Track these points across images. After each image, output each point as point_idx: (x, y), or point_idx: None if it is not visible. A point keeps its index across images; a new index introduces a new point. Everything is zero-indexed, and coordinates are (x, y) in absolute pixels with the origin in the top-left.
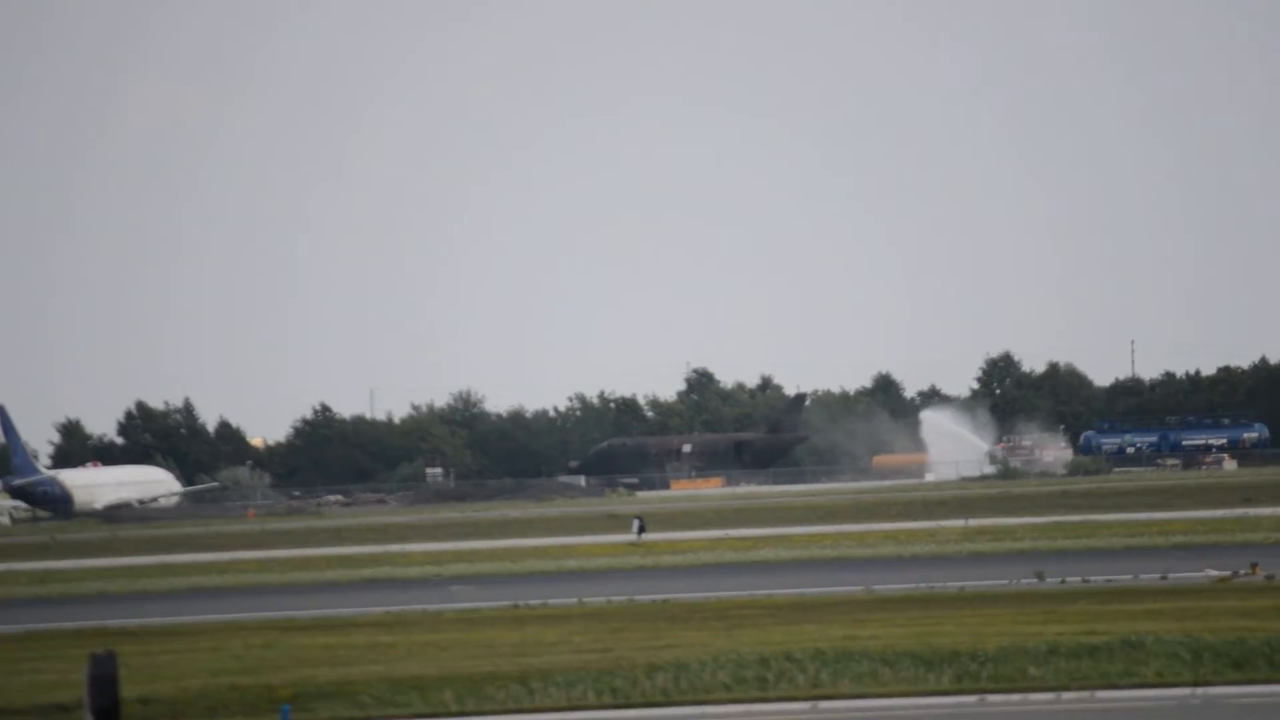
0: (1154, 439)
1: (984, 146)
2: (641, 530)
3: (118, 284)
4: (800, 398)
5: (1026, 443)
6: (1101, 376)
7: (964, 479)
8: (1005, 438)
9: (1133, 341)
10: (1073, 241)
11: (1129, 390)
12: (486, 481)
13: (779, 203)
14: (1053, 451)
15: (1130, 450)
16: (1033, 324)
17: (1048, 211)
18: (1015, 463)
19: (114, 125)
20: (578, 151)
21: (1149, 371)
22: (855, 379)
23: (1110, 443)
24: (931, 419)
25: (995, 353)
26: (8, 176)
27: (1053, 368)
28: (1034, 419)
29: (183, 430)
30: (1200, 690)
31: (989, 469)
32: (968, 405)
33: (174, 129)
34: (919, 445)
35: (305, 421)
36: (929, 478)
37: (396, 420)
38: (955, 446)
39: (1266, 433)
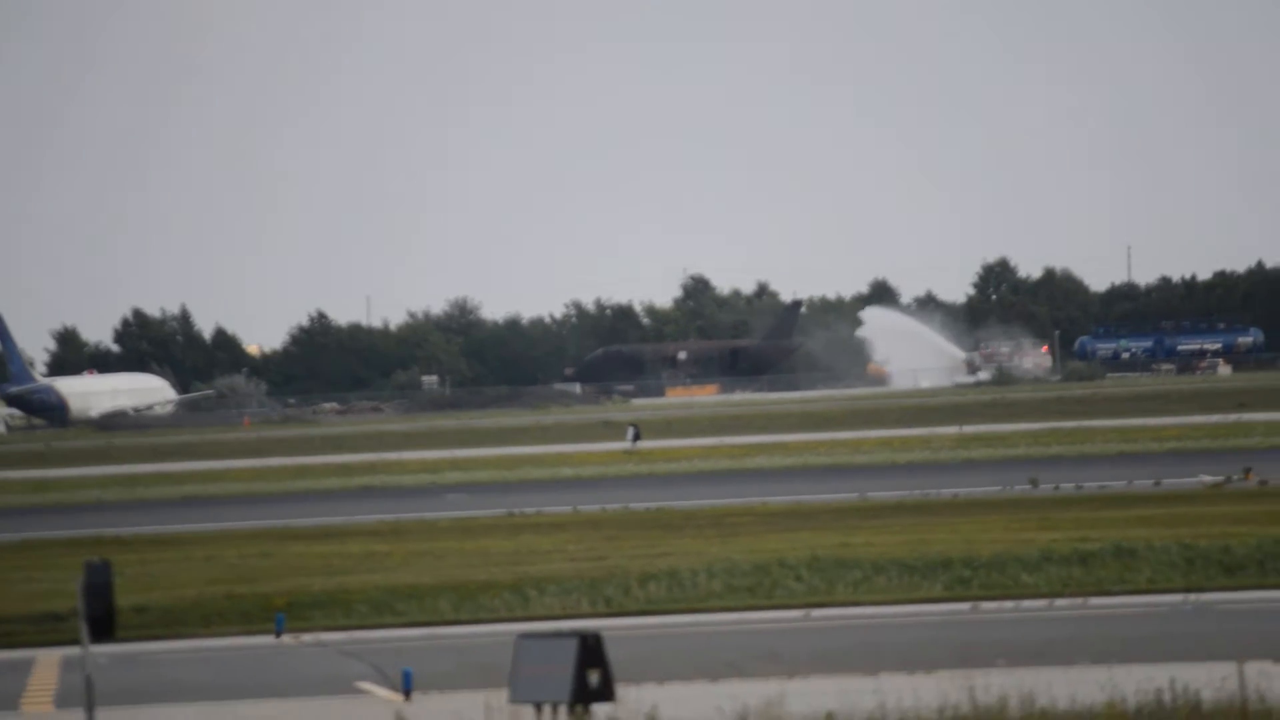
0: (1149, 344)
1: (983, 51)
2: (636, 438)
3: (114, 191)
4: (796, 305)
5: (1004, 349)
6: (1097, 282)
7: (958, 385)
8: (981, 344)
9: (1129, 247)
10: (1070, 146)
11: (1125, 295)
12: (482, 389)
13: (776, 109)
14: (1031, 358)
15: (1125, 356)
16: (1029, 229)
17: (1045, 116)
18: (988, 371)
19: (112, 31)
20: (575, 59)
21: (1145, 277)
22: (851, 285)
23: (1105, 348)
24: (877, 317)
25: (991, 258)
26: (3, 84)
27: (1049, 273)
28: (1012, 324)
29: (179, 338)
30: (1193, 596)
31: (965, 378)
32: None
33: (172, 35)
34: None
35: (301, 329)
36: (892, 385)
37: (393, 328)
38: (913, 348)
39: (1261, 338)
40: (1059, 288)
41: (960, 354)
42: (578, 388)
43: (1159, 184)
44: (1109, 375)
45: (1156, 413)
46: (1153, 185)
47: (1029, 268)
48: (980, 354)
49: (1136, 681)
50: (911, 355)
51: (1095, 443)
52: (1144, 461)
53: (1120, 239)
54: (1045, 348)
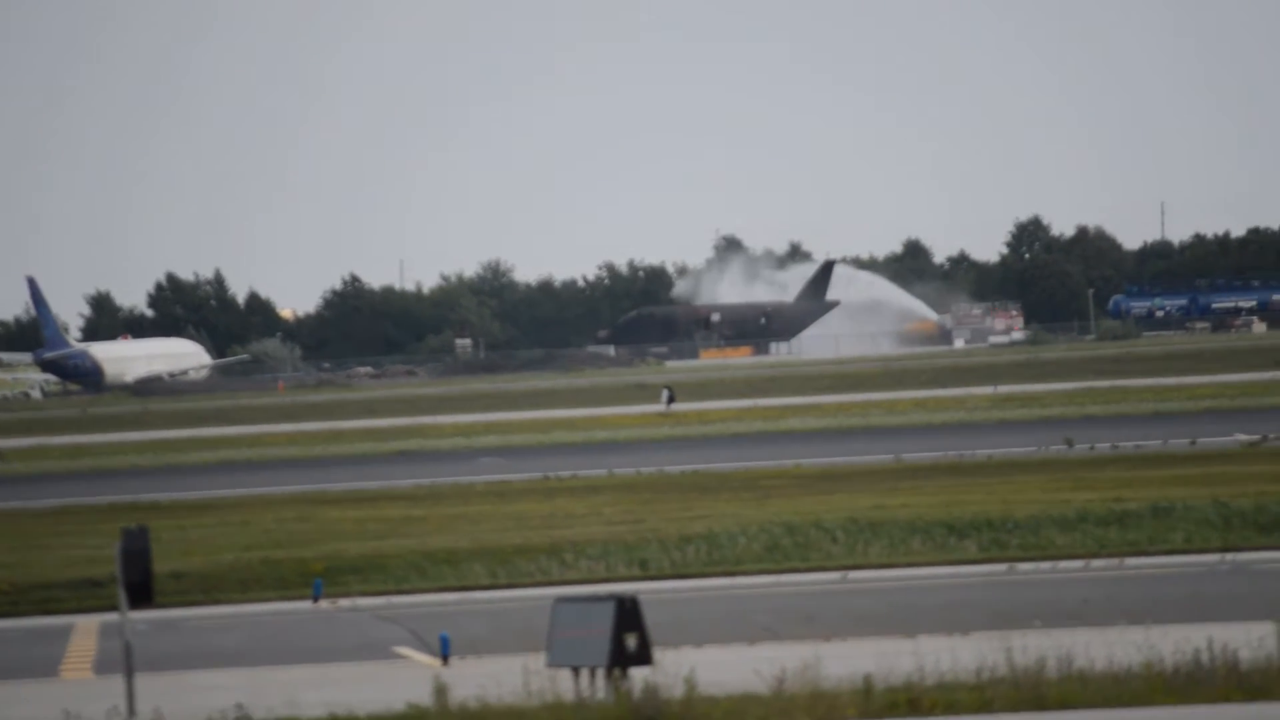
0: (1183, 302)
1: (1016, 7)
2: (671, 400)
3: (148, 155)
4: (829, 265)
5: (976, 312)
6: (1131, 240)
7: (993, 345)
8: (954, 306)
9: (1162, 204)
10: (1102, 103)
11: (1158, 253)
12: (516, 352)
13: (807, 68)
14: (1003, 320)
15: (1159, 314)
16: (1062, 187)
17: (1077, 74)
18: (964, 334)
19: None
20: (609, 21)
21: (1179, 234)
22: (884, 245)
23: (1139, 307)
24: (845, 272)
25: (1024, 216)
26: (37, 48)
27: (1082, 231)
28: (986, 288)
29: (213, 302)
30: (1229, 556)
31: (999, 338)
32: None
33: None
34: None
35: (335, 292)
36: (835, 351)
37: (426, 291)
38: (874, 306)
39: None
40: (1092, 246)
41: (934, 316)
42: (611, 350)
43: (1192, 140)
44: (1143, 334)
45: (1191, 371)
46: (1186, 141)
47: (1062, 226)
48: (951, 317)
49: (1174, 642)
50: (878, 318)
51: (1130, 402)
52: (1179, 421)
53: (1153, 196)
54: (1017, 311)
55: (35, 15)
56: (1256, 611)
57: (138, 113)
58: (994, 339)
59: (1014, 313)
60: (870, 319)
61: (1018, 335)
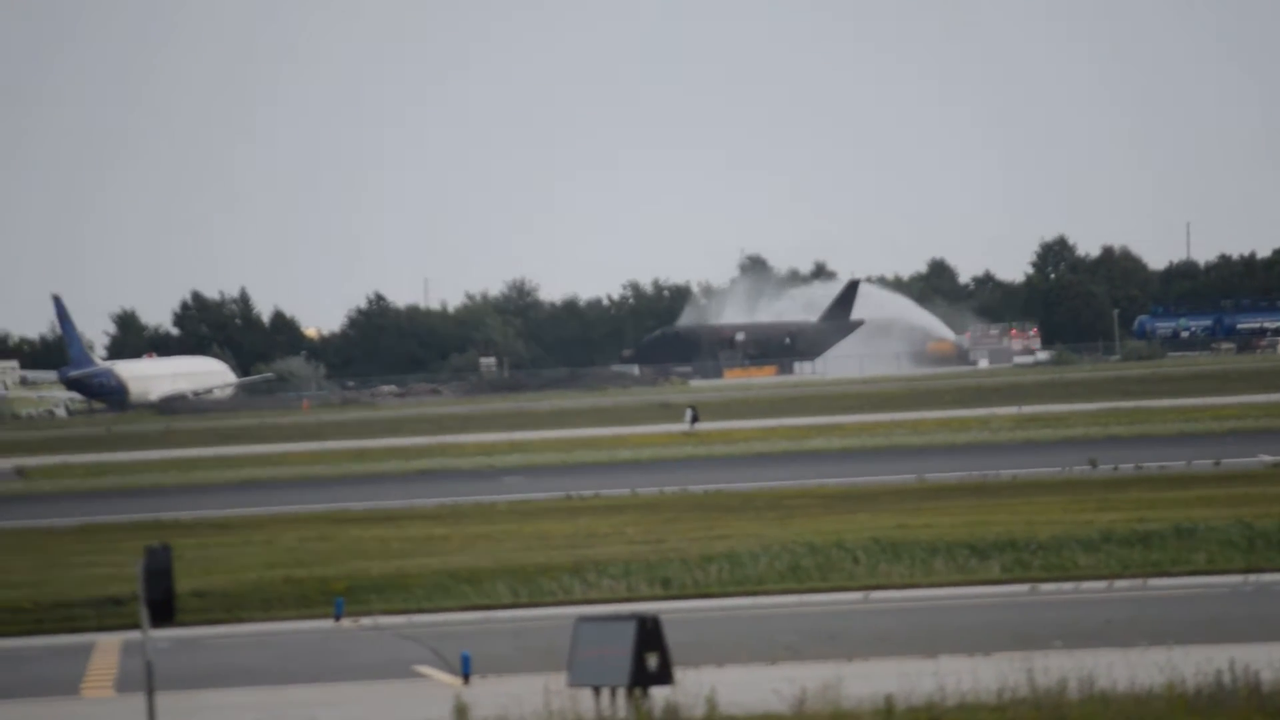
0: (1209, 323)
1: (1041, 28)
2: (695, 420)
3: (173, 174)
4: (853, 285)
5: (993, 333)
6: (1156, 260)
7: (1017, 365)
8: (971, 328)
9: (1188, 224)
10: (1128, 124)
11: (1184, 274)
12: (540, 371)
13: (832, 86)
14: (1020, 341)
15: (1185, 334)
16: (1088, 207)
17: (1103, 93)
18: (983, 354)
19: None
20: (628, 32)
21: (1204, 255)
22: (909, 264)
23: (1165, 327)
24: (868, 291)
25: (1050, 236)
26: (67, 65)
27: (1107, 251)
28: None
29: (238, 321)
30: (1253, 577)
31: (1024, 359)
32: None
33: (232, 18)
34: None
35: (360, 311)
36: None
37: (450, 310)
38: (890, 326)
39: None
40: (1118, 266)
41: (951, 336)
42: (636, 369)
43: (1218, 160)
44: (1168, 354)
45: (1216, 392)
46: (1211, 162)
47: (1088, 246)
48: (968, 336)
49: (1196, 663)
50: (897, 338)
51: (1155, 423)
52: (1204, 441)
53: (1179, 216)
54: (1035, 331)
55: (62, 28)
56: (1279, 633)
57: (164, 132)
58: (1018, 359)
59: (1031, 333)
60: (888, 339)
61: (1043, 355)
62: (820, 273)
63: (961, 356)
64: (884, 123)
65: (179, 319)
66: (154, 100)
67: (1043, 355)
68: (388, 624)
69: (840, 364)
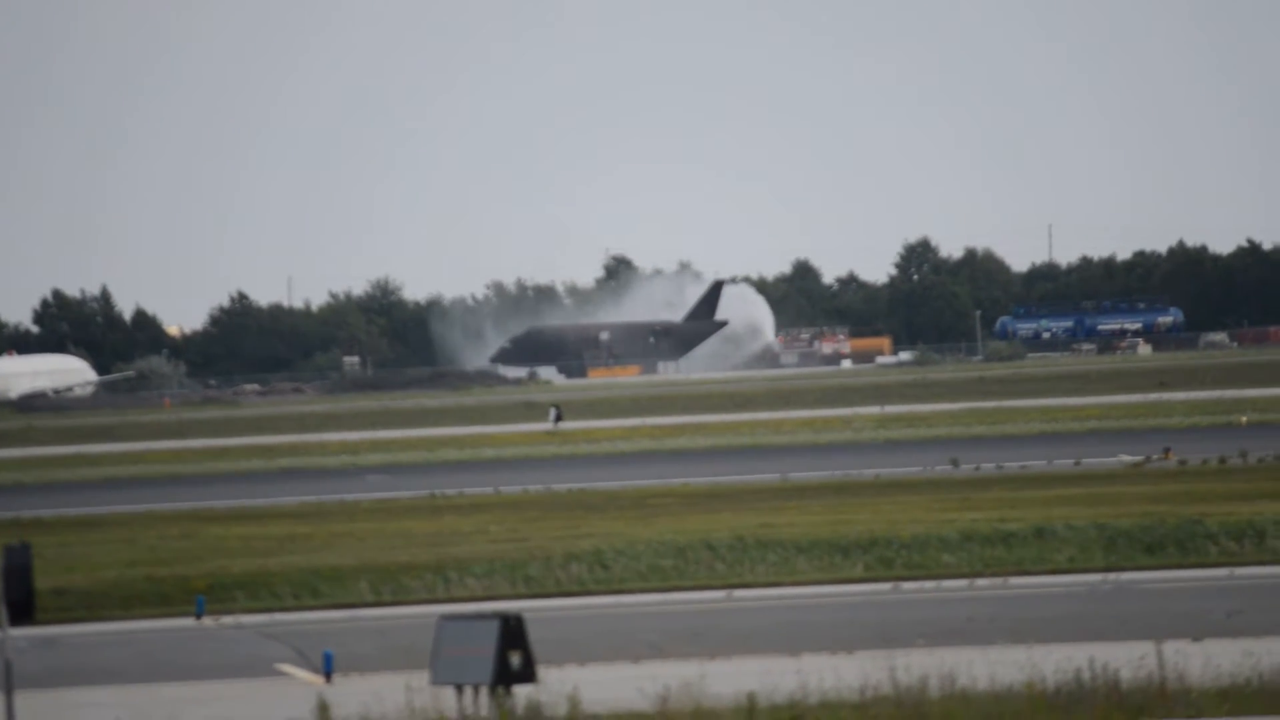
0: (1070, 324)
1: (890, 28)
2: (558, 419)
3: (34, 171)
4: (718, 285)
5: (804, 335)
6: (1019, 262)
7: (880, 365)
8: (784, 331)
9: (1050, 226)
10: (990, 126)
11: (1045, 275)
12: (404, 370)
13: (697, 89)
14: (830, 344)
15: (1046, 335)
16: (951, 209)
17: (965, 95)
18: (791, 356)
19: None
20: (507, 34)
21: (1066, 256)
22: (774, 265)
23: (1026, 328)
24: (735, 290)
25: (913, 238)
26: None
27: (970, 253)
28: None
29: (99, 319)
30: (1112, 576)
31: (887, 359)
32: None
33: (100, 17)
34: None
35: (222, 310)
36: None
37: (314, 308)
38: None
39: (1181, 317)
40: (980, 267)
41: (770, 338)
42: (499, 368)
43: (1080, 163)
44: (1030, 355)
45: (1077, 393)
46: (1074, 164)
47: (950, 247)
48: (780, 340)
49: (1056, 661)
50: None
51: (1016, 423)
52: (1064, 441)
53: (1042, 219)
54: (845, 335)
55: None
56: (1137, 631)
57: (21, 126)
58: (881, 360)
59: (840, 336)
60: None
61: (905, 356)
62: (685, 272)
63: (772, 359)
64: (749, 125)
65: (39, 317)
66: (18, 96)
67: (905, 355)
68: (249, 622)
69: (704, 363)
